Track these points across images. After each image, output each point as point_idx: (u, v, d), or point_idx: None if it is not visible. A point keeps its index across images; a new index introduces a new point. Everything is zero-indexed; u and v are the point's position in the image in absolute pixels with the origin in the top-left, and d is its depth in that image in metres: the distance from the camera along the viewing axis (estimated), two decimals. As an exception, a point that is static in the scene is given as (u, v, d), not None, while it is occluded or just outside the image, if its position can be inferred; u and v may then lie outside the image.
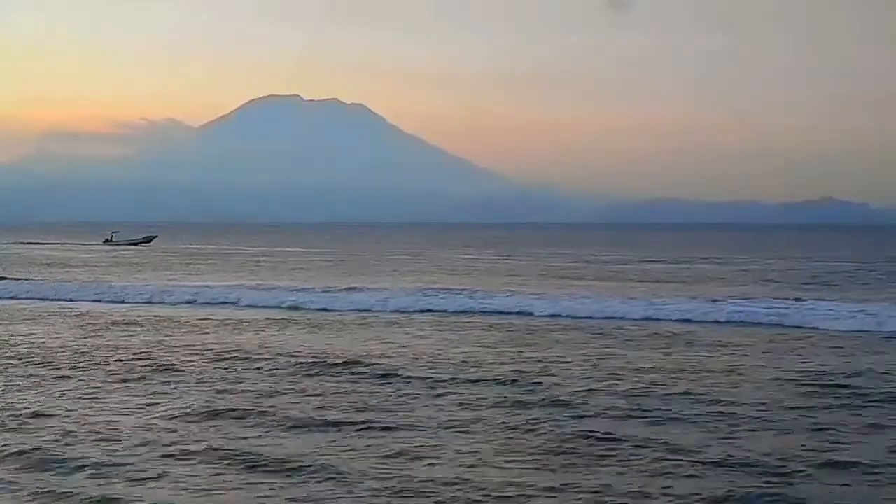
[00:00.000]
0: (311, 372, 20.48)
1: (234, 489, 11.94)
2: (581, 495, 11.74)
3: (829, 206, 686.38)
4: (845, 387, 18.92)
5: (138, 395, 17.85)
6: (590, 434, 14.60)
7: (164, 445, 13.86)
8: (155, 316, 32.73)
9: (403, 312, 34.58)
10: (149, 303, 38.40)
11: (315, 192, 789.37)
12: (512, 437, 14.52)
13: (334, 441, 14.22)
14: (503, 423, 15.45)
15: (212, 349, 24.02)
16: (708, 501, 11.51)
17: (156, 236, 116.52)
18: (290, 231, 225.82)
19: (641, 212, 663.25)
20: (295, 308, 36.09)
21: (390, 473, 12.49)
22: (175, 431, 14.79)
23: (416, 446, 13.87)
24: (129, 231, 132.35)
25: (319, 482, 12.17)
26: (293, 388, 18.51)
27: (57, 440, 14.19)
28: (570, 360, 22.52)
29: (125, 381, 19.36)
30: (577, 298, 38.00)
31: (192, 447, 13.74)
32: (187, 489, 11.91)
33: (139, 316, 32.71)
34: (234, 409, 16.31)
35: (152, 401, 17.21)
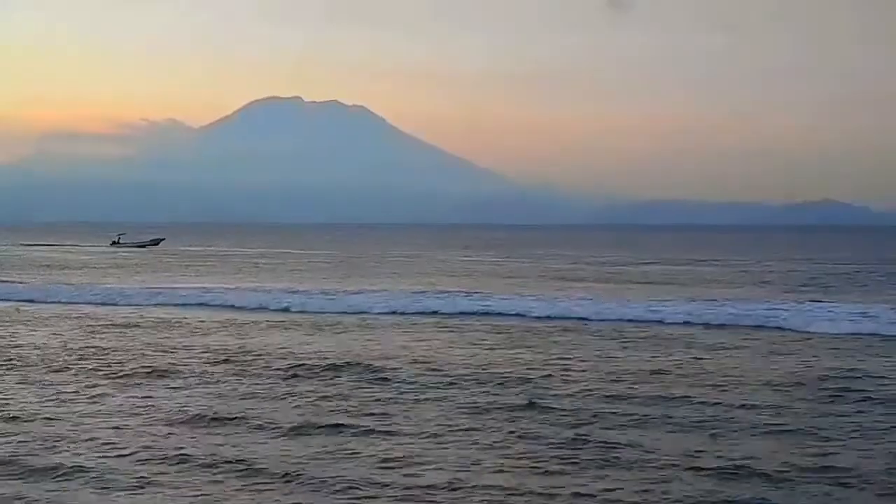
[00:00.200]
0: (310, 375, 20.47)
1: (233, 494, 11.93)
2: (579, 500, 11.74)
3: (830, 207, 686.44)
4: (845, 390, 18.90)
5: (135, 398, 17.82)
6: (588, 438, 14.59)
7: (161, 451, 13.83)
8: (154, 318, 32.69)
9: (403, 314, 34.59)
10: (148, 304, 38.33)
11: (315, 193, 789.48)
12: (511, 441, 14.50)
13: (333, 445, 14.20)
14: (502, 426, 15.44)
15: (210, 352, 23.99)
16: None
17: (163, 239, 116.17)
18: (291, 232, 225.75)
19: (641, 213, 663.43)
20: (294, 310, 36.07)
21: (389, 479, 12.47)
22: (171, 436, 14.76)
23: (415, 451, 13.85)
24: (133, 231, 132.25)
25: (319, 487, 12.15)
26: (291, 392, 18.48)
27: (43, 445, 14.15)
28: (568, 362, 22.51)
29: (122, 384, 19.36)
30: (575, 300, 38.03)
31: (189, 452, 13.71)
32: (184, 497, 11.87)
33: (141, 317, 32.68)
34: (233, 413, 16.30)
35: (149, 405, 17.19)
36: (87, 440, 14.45)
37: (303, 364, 21.84)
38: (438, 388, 18.96)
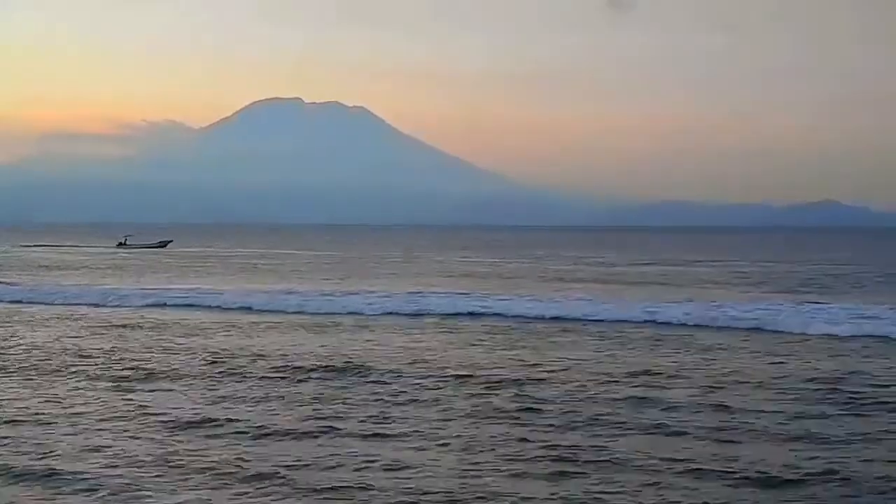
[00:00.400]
0: (308, 376, 20.42)
1: (229, 497, 11.88)
2: (576, 504, 11.70)
3: (830, 208, 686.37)
4: (844, 392, 18.84)
5: (131, 400, 17.76)
6: (586, 441, 14.54)
7: (157, 454, 13.76)
8: (153, 318, 32.65)
9: (402, 315, 34.55)
10: (147, 306, 38.27)
11: (316, 193, 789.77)
12: (508, 443, 14.44)
13: (331, 447, 14.16)
14: (500, 428, 15.39)
15: (208, 353, 23.95)
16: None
17: (171, 241, 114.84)
18: (291, 232, 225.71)
19: (641, 213, 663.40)
20: (293, 311, 36.02)
21: (386, 484, 12.42)
22: (167, 439, 14.70)
23: (412, 454, 13.79)
24: (135, 232, 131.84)
25: (315, 490, 12.10)
26: (289, 393, 18.44)
27: (38, 449, 14.08)
28: (567, 363, 22.45)
29: (119, 386, 19.30)
30: (574, 301, 37.98)
31: (185, 455, 13.66)
32: (180, 500, 11.80)
33: (142, 317, 32.66)
34: (230, 415, 16.24)
35: (146, 407, 17.12)
36: (82, 443, 14.39)
37: (301, 366, 21.80)
38: (436, 390, 18.91)
